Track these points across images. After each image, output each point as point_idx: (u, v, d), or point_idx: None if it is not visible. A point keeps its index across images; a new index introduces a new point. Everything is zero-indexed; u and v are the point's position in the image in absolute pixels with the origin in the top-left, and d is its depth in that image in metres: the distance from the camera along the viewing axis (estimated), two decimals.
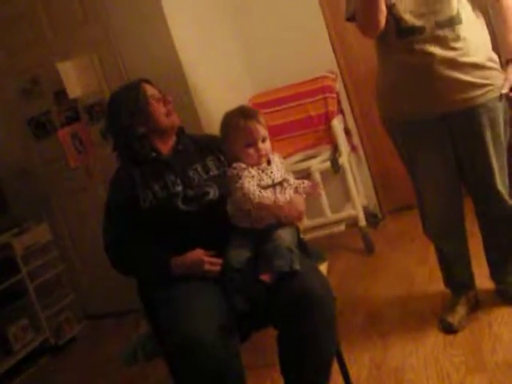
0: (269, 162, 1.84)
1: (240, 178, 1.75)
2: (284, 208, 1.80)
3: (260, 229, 1.80)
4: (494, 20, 2.17)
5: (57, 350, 3.48)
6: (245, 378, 1.75)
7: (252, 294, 1.74)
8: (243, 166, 1.77)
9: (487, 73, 2.07)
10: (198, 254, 1.87)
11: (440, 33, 2.00)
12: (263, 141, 1.81)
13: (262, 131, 1.81)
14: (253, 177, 1.76)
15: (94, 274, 3.69)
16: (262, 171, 1.80)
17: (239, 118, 1.81)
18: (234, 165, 1.78)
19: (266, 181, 1.79)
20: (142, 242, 1.96)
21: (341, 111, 3.67)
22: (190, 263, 1.86)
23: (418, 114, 2.13)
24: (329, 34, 3.76)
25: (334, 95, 3.53)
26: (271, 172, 1.81)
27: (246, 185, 1.73)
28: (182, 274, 1.86)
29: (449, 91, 2.06)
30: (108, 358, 3.15)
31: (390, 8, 2.01)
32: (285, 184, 1.82)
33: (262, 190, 1.75)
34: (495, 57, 2.13)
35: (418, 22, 2.01)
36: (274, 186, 1.80)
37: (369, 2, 1.95)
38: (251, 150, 1.78)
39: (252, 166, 1.80)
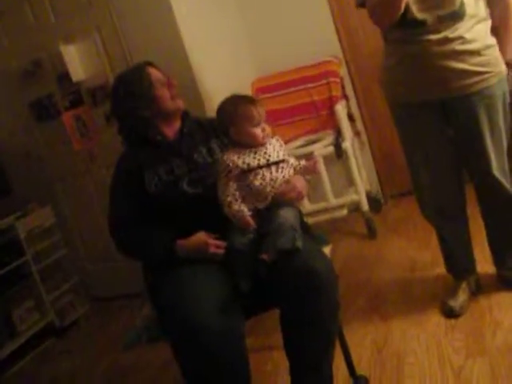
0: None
1: (229, 173, 1.81)
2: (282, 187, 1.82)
3: (262, 209, 1.81)
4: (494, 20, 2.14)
5: (61, 331, 3.51)
6: (249, 361, 1.77)
7: (255, 274, 1.75)
8: (232, 158, 1.82)
9: (484, 59, 2.06)
10: (203, 236, 1.87)
11: (441, 26, 2.01)
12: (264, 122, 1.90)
13: (264, 113, 1.89)
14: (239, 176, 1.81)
15: (98, 256, 3.72)
16: (255, 153, 1.84)
17: (246, 103, 1.86)
18: (225, 157, 1.83)
19: (262, 161, 1.82)
20: (146, 225, 1.96)
21: (344, 96, 3.66)
22: (195, 246, 1.87)
23: (415, 98, 2.14)
24: (333, 19, 3.74)
25: (338, 80, 3.52)
26: (264, 152, 1.84)
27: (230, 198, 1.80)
28: (187, 256, 1.87)
29: (444, 79, 2.07)
30: (111, 340, 3.19)
31: None
32: (281, 164, 1.85)
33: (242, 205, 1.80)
34: (493, 42, 2.11)
35: (420, 16, 2.01)
36: (268, 165, 1.82)
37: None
38: (258, 131, 1.84)
39: (250, 147, 1.85)
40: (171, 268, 1.87)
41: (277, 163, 1.84)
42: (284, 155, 1.88)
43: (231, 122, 1.86)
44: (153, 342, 1.96)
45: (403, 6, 1.96)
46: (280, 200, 1.82)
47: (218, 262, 1.85)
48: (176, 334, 1.70)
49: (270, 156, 1.84)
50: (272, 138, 1.89)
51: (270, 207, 1.82)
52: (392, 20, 2.02)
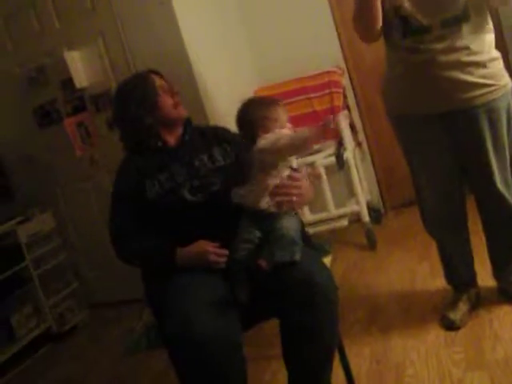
0: None
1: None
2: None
3: (267, 215, 1.79)
4: None
5: (59, 337, 3.50)
6: (246, 370, 1.76)
7: (253, 283, 1.75)
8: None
9: (489, 72, 2.06)
10: (203, 245, 1.87)
11: (445, 32, 2.00)
12: None
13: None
14: None
15: (97, 262, 3.72)
16: None
17: (274, 105, 1.85)
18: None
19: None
20: (147, 233, 1.95)
21: (346, 107, 3.67)
22: (195, 254, 1.86)
23: (419, 110, 2.14)
24: (336, 29, 3.76)
25: (340, 90, 3.53)
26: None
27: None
28: (187, 265, 1.86)
29: (449, 91, 2.06)
30: (110, 346, 3.18)
31: (397, 9, 2.02)
32: (297, 172, 1.85)
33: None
34: (498, 55, 2.11)
35: (424, 22, 2.00)
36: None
37: (364, 11, 2.01)
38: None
39: None
40: (171, 275, 1.86)
41: (295, 170, 1.84)
42: (296, 163, 1.88)
43: (259, 125, 1.81)
44: (152, 349, 1.96)
45: (379, 18, 2.00)
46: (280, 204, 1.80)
47: (219, 271, 1.84)
48: (174, 341, 1.69)
49: (290, 162, 1.83)
50: None
51: (272, 215, 1.81)
52: (371, 33, 2.07)
